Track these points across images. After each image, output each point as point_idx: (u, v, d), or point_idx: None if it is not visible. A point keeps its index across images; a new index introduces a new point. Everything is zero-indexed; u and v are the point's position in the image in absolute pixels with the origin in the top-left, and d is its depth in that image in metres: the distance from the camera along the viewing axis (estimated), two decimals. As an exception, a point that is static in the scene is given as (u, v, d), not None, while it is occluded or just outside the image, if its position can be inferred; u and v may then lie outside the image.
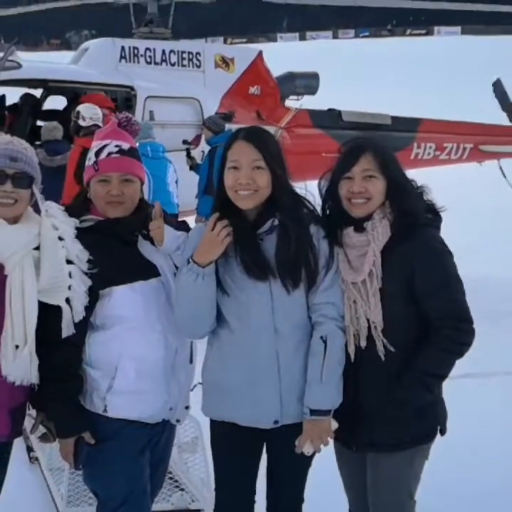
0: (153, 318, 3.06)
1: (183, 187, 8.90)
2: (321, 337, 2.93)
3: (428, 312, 2.94)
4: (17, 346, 2.88)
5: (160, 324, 3.07)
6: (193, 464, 4.54)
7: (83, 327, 3.00)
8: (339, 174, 3.08)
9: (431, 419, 3.04)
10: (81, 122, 8.18)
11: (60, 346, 2.94)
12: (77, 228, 3.04)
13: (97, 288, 3.00)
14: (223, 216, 2.95)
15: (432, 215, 3.10)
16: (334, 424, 2.96)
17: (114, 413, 3.03)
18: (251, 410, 2.97)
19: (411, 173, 3.19)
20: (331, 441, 3.05)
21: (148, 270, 3.10)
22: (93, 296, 2.99)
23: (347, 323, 2.98)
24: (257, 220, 2.98)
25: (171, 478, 4.38)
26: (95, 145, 3.13)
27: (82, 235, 3.05)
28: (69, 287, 2.93)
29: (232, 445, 3.04)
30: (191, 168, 9.38)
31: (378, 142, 3.17)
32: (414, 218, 2.99)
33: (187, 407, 3.21)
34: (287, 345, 2.95)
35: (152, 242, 3.11)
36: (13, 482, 3.18)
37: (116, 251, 3.07)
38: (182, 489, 4.38)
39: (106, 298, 3.04)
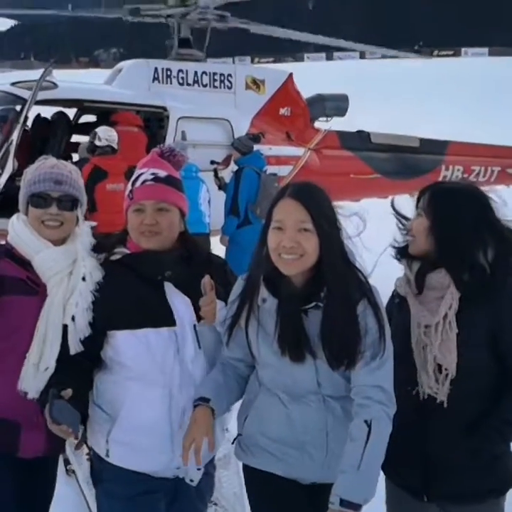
0: (156, 371, 2.86)
1: (214, 207, 9.04)
2: (366, 421, 2.63)
3: None
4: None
5: (163, 379, 2.86)
6: (226, 478, 4.63)
7: (92, 348, 2.91)
8: None
9: (506, 469, 2.93)
10: (97, 142, 8.60)
11: (66, 361, 2.89)
12: (106, 260, 3.01)
13: (103, 328, 2.90)
14: (268, 280, 2.73)
15: None
16: None
17: (115, 460, 2.92)
18: (291, 468, 2.80)
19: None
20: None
21: (162, 317, 2.88)
22: (100, 333, 2.90)
23: (419, 368, 2.85)
24: (304, 289, 2.70)
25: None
26: (134, 175, 3.02)
27: (107, 267, 2.98)
28: (76, 304, 2.94)
29: (271, 493, 2.85)
30: (220, 187, 9.50)
31: (449, 185, 3.05)
32: (477, 271, 2.81)
33: (199, 469, 2.90)
34: (336, 411, 2.76)
35: (176, 285, 2.92)
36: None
37: (133, 289, 2.90)
38: (215, 504, 4.45)
39: (111, 339, 2.91)
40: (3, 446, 3.03)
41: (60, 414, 2.64)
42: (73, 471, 4.94)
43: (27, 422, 3.00)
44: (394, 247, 3.04)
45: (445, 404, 2.82)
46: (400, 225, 3.04)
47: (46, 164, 3.15)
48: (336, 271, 2.66)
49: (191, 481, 2.94)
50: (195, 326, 2.92)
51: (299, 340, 2.68)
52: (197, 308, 2.89)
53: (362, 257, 2.77)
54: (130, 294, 2.89)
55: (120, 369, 2.91)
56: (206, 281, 2.85)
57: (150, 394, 2.87)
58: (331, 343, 2.66)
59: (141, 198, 2.93)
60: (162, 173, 2.97)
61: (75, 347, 2.90)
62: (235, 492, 4.53)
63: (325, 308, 2.67)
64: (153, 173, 2.96)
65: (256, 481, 2.91)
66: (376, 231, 3.26)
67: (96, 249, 3.06)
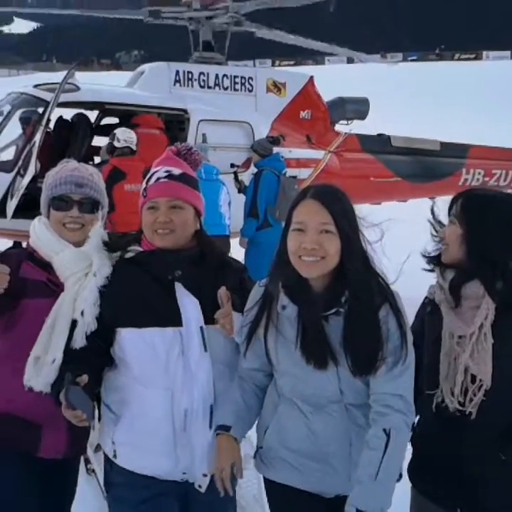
0: (159, 372, 2.82)
1: (234, 210, 9.07)
2: (384, 429, 2.57)
3: None
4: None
5: (166, 380, 2.81)
6: (245, 480, 4.61)
7: (101, 344, 2.88)
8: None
9: None
10: (115, 143, 8.71)
11: (76, 356, 2.86)
12: (120, 258, 2.99)
13: (111, 324, 2.87)
14: (286, 284, 2.66)
15: None
16: None
17: (122, 462, 2.90)
18: (314, 481, 2.74)
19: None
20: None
21: (169, 317, 2.83)
22: (107, 330, 2.87)
23: (441, 379, 2.74)
24: (324, 294, 2.63)
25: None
26: (149, 173, 3.00)
27: (120, 265, 2.96)
28: (85, 299, 2.93)
29: (293, 509, 2.81)
30: (240, 190, 9.55)
31: (482, 191, 2.91)
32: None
33: (205, 475, 2.88)
34: (359, 420, 2.68)
35: (186, 285, 2.86)
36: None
37: (142, 288, 2.86)
38: (235, 505, 4.46)
39: (118, 336, 2.88)
40: (24, 446, 3.06)
41: (75, 399, 2.60)
42: (93, 471, 4.96)
43: (48, 424, 3.03)
44: (425, 256, 2.94)
45: (473, 416, 2.72)
46: (434, 232, 2.95)
47: (67, 167, 3.17)
48: (358, 275, 2.59)
49: (199, 486, 2.91)
50: (202, 327, 2.85)
51: (323, 348, 2.61)
52: (207, 310, 2.84)
53: (382, 262, 2.71)
54: (139, 292, 2.86)
55: (126, 368, 2.88)
56: (222, 293, 2.78)
57: (152, 394, 2.83)
58: (353, 350, 2.59)
59: (155, 196, 2.90)
60: (176, 171, 2.93)
61: (79, 341, 2.88)
62: (254, 494, 4.52)
63: (346, 314, 2.60)
64: (167, 171, 2.93)
65: (278, 495, 2.86)
66: (397, 238, 3.19)
67: (111, 247, 3.04)
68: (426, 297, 2.97)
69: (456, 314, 2.77)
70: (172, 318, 2.82)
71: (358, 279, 2.59)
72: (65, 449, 3.10)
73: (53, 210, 3.11)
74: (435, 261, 2.90)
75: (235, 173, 9.73)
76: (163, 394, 2.82)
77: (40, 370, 2.91)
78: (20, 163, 8.86)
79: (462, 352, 2.71)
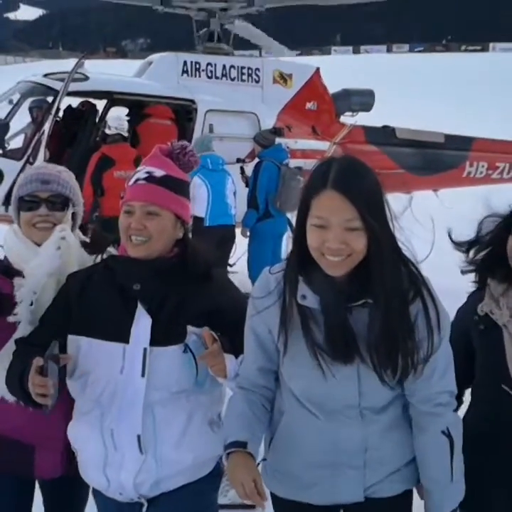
0: (95, 384, 2.63)
1: (239, 202, 9.18)
2: (443, 431, 2.43)
3: None
4: None
5: (98, 395, 2.62)
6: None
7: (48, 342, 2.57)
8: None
9: None
10: (107, 130, 8.90)
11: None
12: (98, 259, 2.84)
13: (64, 328, 2.67)
14: (305, 273, 2.36)
15: None
16: None
17: (79, 468, 2.79)
18: (327, 493, 2.52)
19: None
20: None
21: (119, 331, 2.59)
22: (58, 331, 2.66)
23: None
24: (349, 283, 2.33)
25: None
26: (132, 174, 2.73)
27: (90, 268, 2.79)
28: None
29: None
30: (246, 184, 9.62)
31: None
32: None
33: (139, 498, 2.68)
34: (376, 426, 2.45)
35: (145, 300, 2.61)
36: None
37: (101, 296, 2.65)
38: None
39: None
40: (19, 467, 2.99)
41: (51, 371, 2.40)
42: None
43: (41, 444, 2.95)
44: (479, 271, 2.75)
45: None
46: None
47: (34, 166, 3.10)
48: (388, 268, 2.29)
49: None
50: (145, 349, 2.57)
51: (349, 344, 2.33)
52: (161, 329, 2.60)
53: (410, 242, 2.39)
54: (97, 300, 2.66)
55: (71, 372, 2.69)
56: (206, 334, 2.53)
57: (87, 406, 2.67)
58: (379, 348, 2.31)
59: (130, 199, 2.63)
60: (158, 173, 2.64)
61: (22, 332, 2.74)
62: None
63: (374, 308, 2.31)
64: (147, 172, 2.64)
65: (281, 509, 2.67)
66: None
67: (91, 248, 2.92)
68: (474, 313, 2.75)
69: None
70: (121, 332, 2.59)
71: (387, 272, 2.29)
72: (62, 468, 2.98)
73: (22, 211, 2.95)
74: (498, 277, 2.68)
75: (242, 168, 9.85)
76: (95, 409, 2.65)
77: None
78: (29, 151, 9.01)
79: None
